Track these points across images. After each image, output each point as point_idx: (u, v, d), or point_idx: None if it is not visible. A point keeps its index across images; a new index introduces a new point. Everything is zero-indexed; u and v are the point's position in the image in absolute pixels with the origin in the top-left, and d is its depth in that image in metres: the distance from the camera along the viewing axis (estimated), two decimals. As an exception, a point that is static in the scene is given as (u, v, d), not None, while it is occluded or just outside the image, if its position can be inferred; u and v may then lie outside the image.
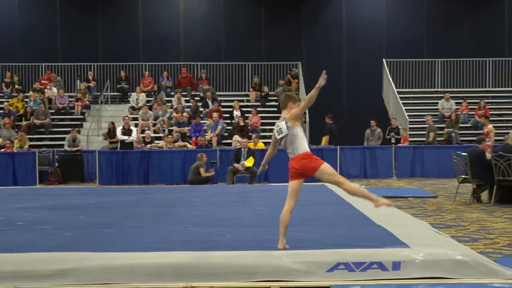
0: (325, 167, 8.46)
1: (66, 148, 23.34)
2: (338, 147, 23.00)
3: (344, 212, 12.43)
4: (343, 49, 31.87)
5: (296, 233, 9.69)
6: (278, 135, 8.52)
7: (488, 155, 21.77)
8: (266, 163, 9.16)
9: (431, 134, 24.92)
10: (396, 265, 7.47)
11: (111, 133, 24.70)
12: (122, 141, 23.50)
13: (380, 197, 8.48)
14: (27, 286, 7.31)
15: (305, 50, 31.60)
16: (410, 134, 25.95)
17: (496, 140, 23.38)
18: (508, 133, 21.29)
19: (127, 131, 23.65)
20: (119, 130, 23.84)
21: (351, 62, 31.55)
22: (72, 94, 29.03)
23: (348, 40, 31.83)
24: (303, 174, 8.52)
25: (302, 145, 8.49)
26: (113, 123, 25.00)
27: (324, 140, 25.01)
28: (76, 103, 27.82)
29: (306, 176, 8.54)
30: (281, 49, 31.22)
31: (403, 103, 27.47)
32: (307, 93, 27.71)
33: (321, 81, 8.58)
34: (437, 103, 28.49)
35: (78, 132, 24.67)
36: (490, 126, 23.03)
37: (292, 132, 8.43)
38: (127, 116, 24.62)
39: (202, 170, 20.52)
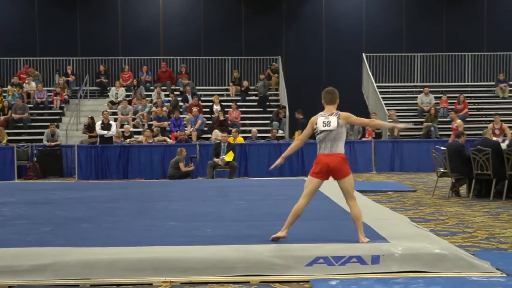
0: (352, 177, 8.60)
1: (45, 142, 23.21)
2: (312, 141, 22.97)
3: (324, 206, 12.44)
4: (323, 44, 31.89)
5: (275, 228, 9.68)
6: (324, 126, 8.43)
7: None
8: (288, 156, 8.98)
9: (396, 129, 24.93)
10: (375, 259, 7.48)
11: (90, 127, 24.60)
12: (102, 136, 23.43)
13: (283, 232, 8.49)
14: (5, 282, 7.25)
15: (285, 44, 31.61)
16: (389, 129, 25.98)
17: (474, 135, 23.52)
18: (487, 127, 21.46)
19: (106, 126, 23.59)
20: (98, 125, 23.77)
21: (331, 56, 31.61)
22: (51, 88, 28.85)
23: (328, 35, 31.86)
24: (331, 173, 8.47)
25: (342, 146, 8.54)
26: (92, 117, 24.90)
27: (297, 134, 24.96)
28: (55, 98, 27.65)
29: (331, 176, 8.52)
30: (261, 43, 31.21)
31: (382, 98, 27.54)
32: (287, 87, 27.76)
33: (401, 125, 9.04)
34: (417, 97, 28.58)
35: (57, 126, 24.53)
36: (459, 121, 23.13)
37: (340, 130, 8.47)
38: (106, 111, 24.53)
39: (181, 164, 20.49)
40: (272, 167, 9.15)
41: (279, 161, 8.97)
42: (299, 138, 8.82)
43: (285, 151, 8.88)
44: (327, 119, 8.46)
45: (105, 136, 23.40)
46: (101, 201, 13.86)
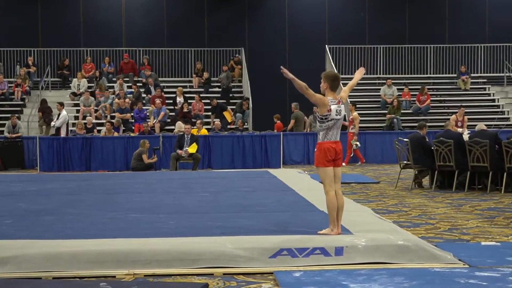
0: None
1: (6, 134, 22.95)
2: (281, 133, 23.04)
3: (287, 198, 12.47)
4: (286, 35, 31.92)
5: (239, 219, 9.69)
6: (336, 115, 8.29)
7: (357, 143, 22.25)
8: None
9: (292, 122, 25.02)
10: (339, 251, 7.51)
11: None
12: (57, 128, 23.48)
13: (335, 229, 8.27)
14: (-35, 275, 7.16)
15: (248, 36, 31.58)
16: (352, 120, 26.10)
17: (436, 126, 23.72)
18: (449, 119, 21.65)
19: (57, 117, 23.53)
20: (55, 117, 23.74)
21: (294, 48, 31.64)
22: (12, 79, 28.52)
23: (290, 26, 31.88)
24: (336, 160, 8.46)
25: None
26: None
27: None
28: (16, 89, 27.34)
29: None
30: (224, 34, 31.14)
31: (345, 90, 27.58)
32: (250, 79, 27.73)
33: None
34: (379, 89, 28.74)
35: (18, 118, 24.27)
36: (355, 113, 23.33)
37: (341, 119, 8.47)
38: (59, 103, 24.42)
39: (144, 156, 20.39)
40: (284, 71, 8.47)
41: (289, 74, 8.37)
42: (313, 95, 8.29)
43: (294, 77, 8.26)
44: (339, 108, 8.32)
45: (53, 126, 23.34)
46: (64, 193, 13.75)
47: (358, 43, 30.89)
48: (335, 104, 8.28)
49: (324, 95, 8.42)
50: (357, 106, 27.30)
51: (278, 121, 25.44)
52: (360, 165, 22.50)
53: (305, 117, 25.36)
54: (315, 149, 8.59)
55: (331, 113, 8.22)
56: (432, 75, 30.94)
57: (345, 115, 23.86)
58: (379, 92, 28.58)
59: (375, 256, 7.48)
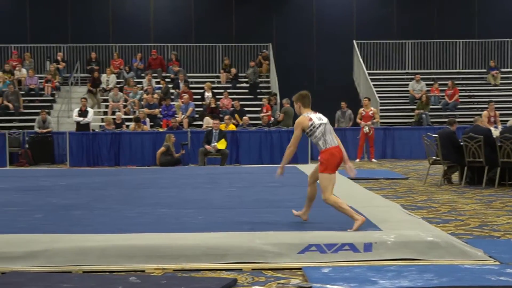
0: None
1: (36, 129, 23.13)
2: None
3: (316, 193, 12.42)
4: (313, 31, 31.84)
5: (267, 215, 9.70)
6: (319, 120, 8.68)
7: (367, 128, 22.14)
8: (285, 165, 9.04)
9: (281, 115, 24.87)
10: (368, 247, 7.47)
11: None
12: (78, 123, 23.56)
13: (359, 218, 8.49)
14: (-3, 268, 7.24)
15: (275, 31, 31.53)
16: (380, 116, 26.01)
17: (465, 122, 23.55)
18: (478, 114, 21.46)
19: (83, 113, 23.66)
20: (75, 112, 23.93)
21: (322, 43, 31.56)
22: (42, 75, 28.73)
23: (318, 22, 31.80)
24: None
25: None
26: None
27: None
28: (46, 85, 27.54)
29: None
30: (252, 30, 31.14)
31: (374, 85, 27.53)
32: (277, 74, 27.72)
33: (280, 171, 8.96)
34: (408, 84, 28.59)
35: (48, 113, 24.47)
36: (374, 109, 23.26)
37: (329, 124, 8.83)
38: (84, 98, 24.60)
39: (167, 151, 20.50)
40: (277, 176, 9.06)
41: (280, 171, 9.00)
42: (292, 143, 8.81)
43: (282, 161, 8.96)
44: (318, 115, 8.76)
45: (81, 123, 23.52)
46: (92, 188, 13.84)
47: (385, 38, 30.73)
48: (312, 114, 8.73)
49: (300, 113, 8.87)
50: (385, 101, 27.26)
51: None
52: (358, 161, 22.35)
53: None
54: (320, 158, 8.73)
55: (314, 121, 8.63)
56: (461, 70, 30.71)
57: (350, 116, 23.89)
58: (407, 87, 28.42)
59: (404, 252, 7.44)
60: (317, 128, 8.60)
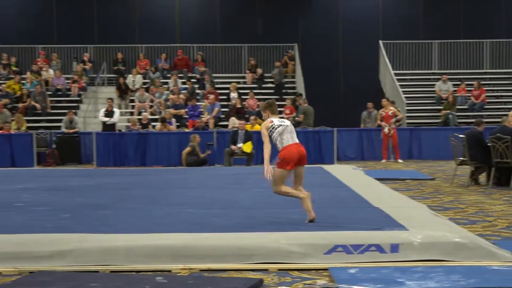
0: None
1: (63, 129, 23.29)
2: (335, 129, 22.90)
3: (341, 194, 12.43)
4: (339, 31, 31.77)
5: (293, 215, 9.69)
6: (280, 123, 9.33)
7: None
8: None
9: (301, 116, 24.79)
10: (395, 248, 7.45)
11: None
12: (104, 123, 23.68)
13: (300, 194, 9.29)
14: (26, 267, 7.30)
15: (301, 31, 31.48)
16: (407, 116, 25.91)
17: (493, 122, 23.37)
18: (505, 115, 21.28)
19: (109, 113, 23.78)
20: (101, 112, 24.06)
21: (348, 43, 31.47)
22: (69, 76, 28.91)
23: (344, 21, 31.72)
24: (300, 161, 9.30)
25: None
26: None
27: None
28: (72, 85, 27.72)
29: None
30: (278, 30, 31.11)
31: (400, 85, 27.42)
32: (303, 75, 27.70)
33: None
34: (434, 85, 28.44)
35: (75, 114, 24.63)
36: (394, 109, 23.14)
37: (292, 126, 9.46)
38: (110, 98, 24.71)
39: (193, 151, 20.55)
40: (267, 177, 9.27)
41: (268, 168, 9.24)
42: (266, 145, 9.25)
43: (265, 163, 9.22)
44: (282, 119, 9.52)
45: (107, 123, 23.65)
46: (119, 188, 13.91)
47: (412, 38, 30.58)
48: (276, 118, 9.43)
49: None
50: (412, 102, 27.13)
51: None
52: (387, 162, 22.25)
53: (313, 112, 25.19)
54: (278, 155, 9.28)
55: (274, 122, 9.32)
56: (488, 70, 30.49)
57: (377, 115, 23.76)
58: (434, 87, 28.28)
59: (431, 253, 7.41)
60: (276, 128, 9.25)
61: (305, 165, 9.43)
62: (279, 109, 26.03)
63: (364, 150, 23.28)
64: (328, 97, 29.71)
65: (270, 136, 9.27)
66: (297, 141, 9.32)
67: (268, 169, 9.18)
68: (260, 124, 23.25)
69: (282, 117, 23.65)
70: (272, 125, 9.27)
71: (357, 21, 31.50)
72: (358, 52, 30.93)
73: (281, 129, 9.25)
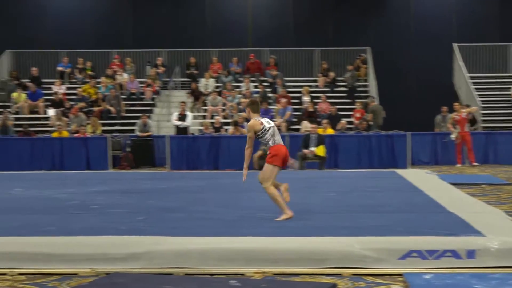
0: None
1: (137, 133, 23.60)
2: (409, 133, 22.63)
3: (415, 198, 12.29)
4: (412, 34, 31.41)
5: (366, 220, 9.62)
6: (269, 124, 10.00)
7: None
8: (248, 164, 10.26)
9: (370, 116, 24.34)
10: (471, 254, 7.34)
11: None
12: (177, 126, 23.90)
13: (289, 212, 9.90)
14: (102, 269, 7.42)
15: (374, 35, 31.20)
16: (482, 120, 25.48)
17: None
18: None
19: (182, 117, 23.99)
20: (174, 116, 24.26)
21: (421, 46, 31.05)
22: (143, 80, 29.28)
23: (416, 24, 31.33)
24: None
25: None
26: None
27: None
28: (146, 89, 28.07)
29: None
30: (350, 34, 30.92)
31: (475, 88, 26.97)
32: (376, 78, 27.48)
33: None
34: (511, 88, 27.88)
35: (149, 117, 24.92)
36: (469, 108, 22.69)
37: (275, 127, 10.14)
38: (183, 102, 24.90)
39: (264, 154, 20.55)
40: (244, 179, 10.24)
41: (245, 172, 10.22)
42: (249, 145, 10.06)
43: (244, 164, 10.17)
44: (266, 119, 10.14)
45: (180, 126, 23.85)
46: (192, 191, 14.02)
47: (487, 41, 30.04)
48: (261, 118, 10.04)
49: (250, 118, 10.15)
50: (487, 105, 26.65)
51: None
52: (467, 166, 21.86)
53: (383, 111, 24.86)
54: (269, 152, 10.00)
55: (264, 124, 9.94)
56: None
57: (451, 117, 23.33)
58: (510, 91, 27.71)
59: (509, 259, 7.27)
60: (268, 130, 9.91)
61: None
62: (349, 112, 26.00)
63: (438, 154, 22.94)
64: (401, 100, 29.37)
65: (260, 137, 9.91)
66: (282, 143, 10.08)
67: (246, 173, 10.12)
68: (332, 128, 23.22)
69: (351, 121, 23.80)
70: (263, 128, 9.87)
71: (430, 24, 31.09)
72: (431, 54, 30.54)
73: (272, 131, 9.94)
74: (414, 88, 30.49)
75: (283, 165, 10.03)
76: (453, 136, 22.01)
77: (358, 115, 24.80)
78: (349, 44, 30.24)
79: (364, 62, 29.37)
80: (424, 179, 15.81)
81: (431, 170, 18.87)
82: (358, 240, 7.79)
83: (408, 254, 7.39)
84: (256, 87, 27.92)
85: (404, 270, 7.17)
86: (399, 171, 18.31)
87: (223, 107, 26.44)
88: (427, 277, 6.85)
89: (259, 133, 9.89)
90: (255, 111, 10.09)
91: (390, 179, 16.08)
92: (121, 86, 28.20)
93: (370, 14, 31.44)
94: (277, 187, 10.09)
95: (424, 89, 30.23)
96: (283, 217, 9.79)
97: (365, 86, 28.87)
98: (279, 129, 23.43)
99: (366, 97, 27.15)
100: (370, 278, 6.99)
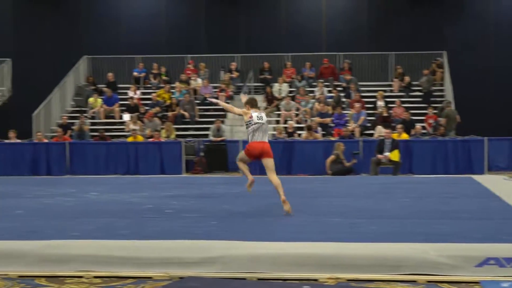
0: (273, 160, 11.34)
1: (211, 138, 23.76)
2: (486, 138, 22.21)
3: (493, 205, 12.07)
4: (491, 37, 30.85)
5: (441, 226, 9.47)
6: (258, 120, 10.88)
7: None
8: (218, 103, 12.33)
9: (443, 120, 23.74)
10: (551, 262, 7.15)
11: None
12: None
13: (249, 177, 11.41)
14: (176, 273, 7.46)
15: (450, 38, 30.74)
16: None
17: None
18: None
19: None
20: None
21: (501, 50, 30.48)
22: (216, 85, 29.47)
23: (496, 28, 30.77)
24: (261, 155, 11.06)
25: (268, 136, 11.23)
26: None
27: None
28: (220, 94, 28.23)
29: (259, 157, 11.17)
30: (425, 38, 30.54)
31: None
32: (453, 82, 27.06)
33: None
34: None
35: (222, 122, 25.06)
36: None
37: (267, 124, 11.12)
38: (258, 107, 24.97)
39: (337, 159, 20.48)
40: (211, 100, 12.80)
41: (216, 101, 12.52)
42: (231, 108, 11.73)
43: (222, 103, 12.27)
44: (260, 114, 11.03)
45: None
46: (265, 196, 14.00)
47: None
48: (257, 112, 10.98)
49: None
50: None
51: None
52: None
53: (457, 115, 24.36)
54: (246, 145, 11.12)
55: (253, 118, 10.86)
56: None
57: None
58: None
59: None
60: (253, 125, 10.82)
61: (270, 158, 11.13)
62: (424, 117, 25.60)
63: (516, 160, 22.47)
64: (478, 105, 28.86)
65: (246, 125, 10.93)
66: (265, 140, 10.96)
67: (218, 102, 12.40)
68: (406, 133, 22.97)
69: (388, 126, 23.41)
70: (249, 120, 10.85)
71: (508, 27, 30.49)
72: (510, 57, 29.93)
73: (256, 127, 10.85)
74: (491, 92, 29.91)
75: (251, 158, 11.15)
76: None
77: (430, 121, 24.47)
78: (424, 48, 29.85)
79: (440, 66, 28.97)
80: (502, 185, 15.52)
81: (509, 176, 18.50)
82: (433, 246, 7.66)
83: (485, 262, 7.23)
84: (329, 91, 27.81)
85: (481, 277, 7.02)
86: (476, 177, 18.02)
87: (297, 112, 26.42)
88: (505, 285, 6.70)
89: (246, 122, 10.96)
90: (253, 106, 11.10)
91: (466, 185, 15.83)
92: (195, 91, 28.44)
93: (446, 17, 30.98)
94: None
95: (502, 93, 29.64)
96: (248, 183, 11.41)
97: (441, 90, 28.46)
98: (352, 134, 23.55)
99: (441, 102, 26.77)
100: (445, 286, 6.87)
